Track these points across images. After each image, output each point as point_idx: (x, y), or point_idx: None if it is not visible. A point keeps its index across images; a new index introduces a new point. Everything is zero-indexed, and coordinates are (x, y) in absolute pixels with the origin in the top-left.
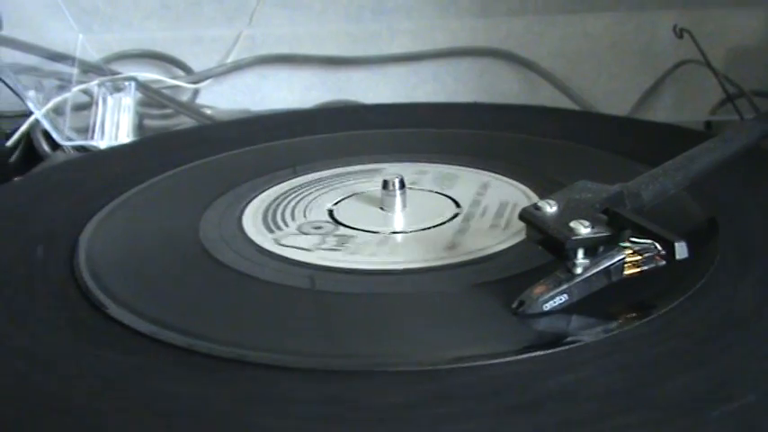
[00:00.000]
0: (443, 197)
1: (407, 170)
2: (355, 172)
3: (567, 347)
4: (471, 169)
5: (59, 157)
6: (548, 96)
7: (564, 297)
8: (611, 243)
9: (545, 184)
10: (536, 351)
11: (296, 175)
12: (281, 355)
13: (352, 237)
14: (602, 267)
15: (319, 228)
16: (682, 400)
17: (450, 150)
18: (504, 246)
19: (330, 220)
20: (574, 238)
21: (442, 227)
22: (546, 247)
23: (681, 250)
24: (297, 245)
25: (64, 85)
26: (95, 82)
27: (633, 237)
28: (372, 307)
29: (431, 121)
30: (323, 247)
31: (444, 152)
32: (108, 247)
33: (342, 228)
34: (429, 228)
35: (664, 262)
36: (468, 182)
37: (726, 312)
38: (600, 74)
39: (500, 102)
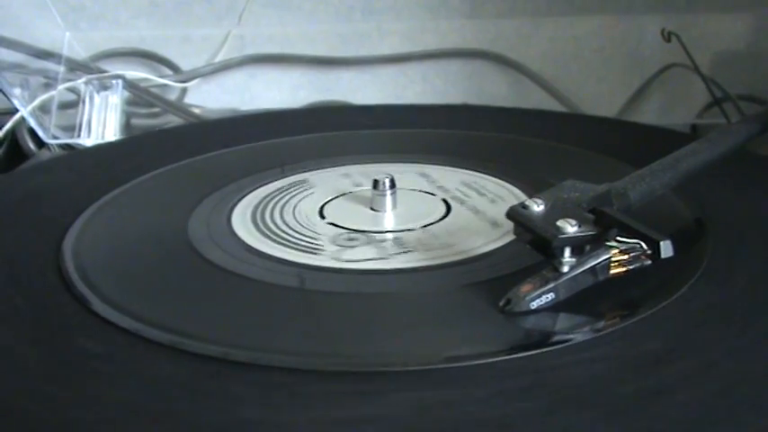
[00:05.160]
0: (433, 197)
1: (397, 170)
2: (345, 172)
3: (554, 347)
4: (461, 170)
5: (45, 155)
6: (536, 98)
7: (551, 295)
8: (598, 242)
9: (534, 184)
10: (523, 351)
11: (284, 174)
12: (267, 353)
13: (341, 236)
14: (588, 266)
15: (309, 227)
16: (668, 401)
17: (440, 151)
18: (493, 246)
19: (320, 220)
20: (560, 236)
21: (431, 227)
22: (533, 246)
23: (666, 249)
24: (286, 243)
25: (50, 82)
26: (82, 80)
27: (620, 236)
28: (361, 306)
29: (420, 121)
30: (312, 245)
31: (434, 153)
32: (94, 244)
33: (331, 227)
34: (418, 228)
35: (649, 261)
36: (457, 182)
37: (713, 313)
38: (588, 76)
39: (489, 103)
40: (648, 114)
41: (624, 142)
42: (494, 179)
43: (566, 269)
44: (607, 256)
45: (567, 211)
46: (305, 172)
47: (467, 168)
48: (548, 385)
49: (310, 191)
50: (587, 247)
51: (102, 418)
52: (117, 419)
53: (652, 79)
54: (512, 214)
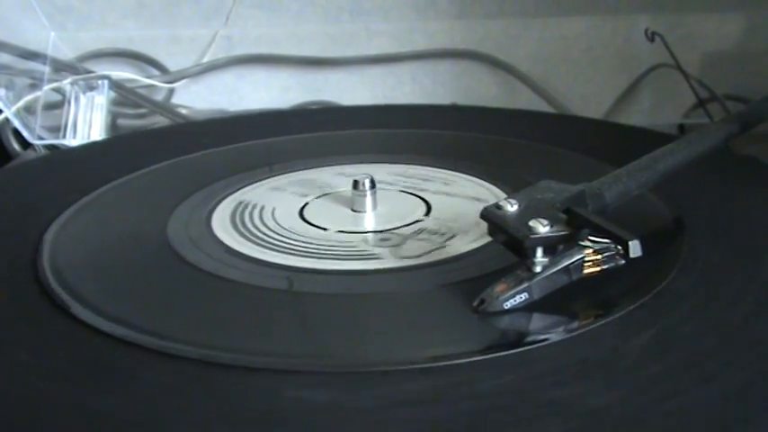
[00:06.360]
0: (414, 197)
1: (381, 170)
2: (329, 172)
3: (527, 347)
4: (445, 170)
5: (30, 155)
6: (524, 98)
7: (524, 295)
8: (570, 242)
9: (518, 186)
10: (496, 351)
11: (270, 174)
12: (246, 355)
13: (322, 237)
14: (561, 266)
15: (291, 228)
16: (642, 401)
17: (425, 151)
18: (472, 246)
19: (300, 220)
20: (532, 236)
21: (411, 227)
22: (507, 247)
23: (634, 249)
24: (266, 245)
25: (36, 83)
26: (68, 81)
27: (592, 236)
28: (341, 308)
29: (408, 122)
30: (292, 246)
31: (419, 153)
32: (73, 246)
33: (312, 228)
34: (398, 228)
35: (623, 261)
36: (440, 183)
37: (688, 311)
38: (576, 77)
39: (477, 104)
40: (637, 114)
41: (612, 143)
42: (477, 180)
43: (539, 269)
44: (580, 256)
45: (540, 212)
46: (289, 172)
47: (451, 169)
48: (521, 385)
49: (293, 191)
50: (560, 247)
51: (83, 420)
52: (98, 422)
53: (640, 79)
54: (485, 215)
